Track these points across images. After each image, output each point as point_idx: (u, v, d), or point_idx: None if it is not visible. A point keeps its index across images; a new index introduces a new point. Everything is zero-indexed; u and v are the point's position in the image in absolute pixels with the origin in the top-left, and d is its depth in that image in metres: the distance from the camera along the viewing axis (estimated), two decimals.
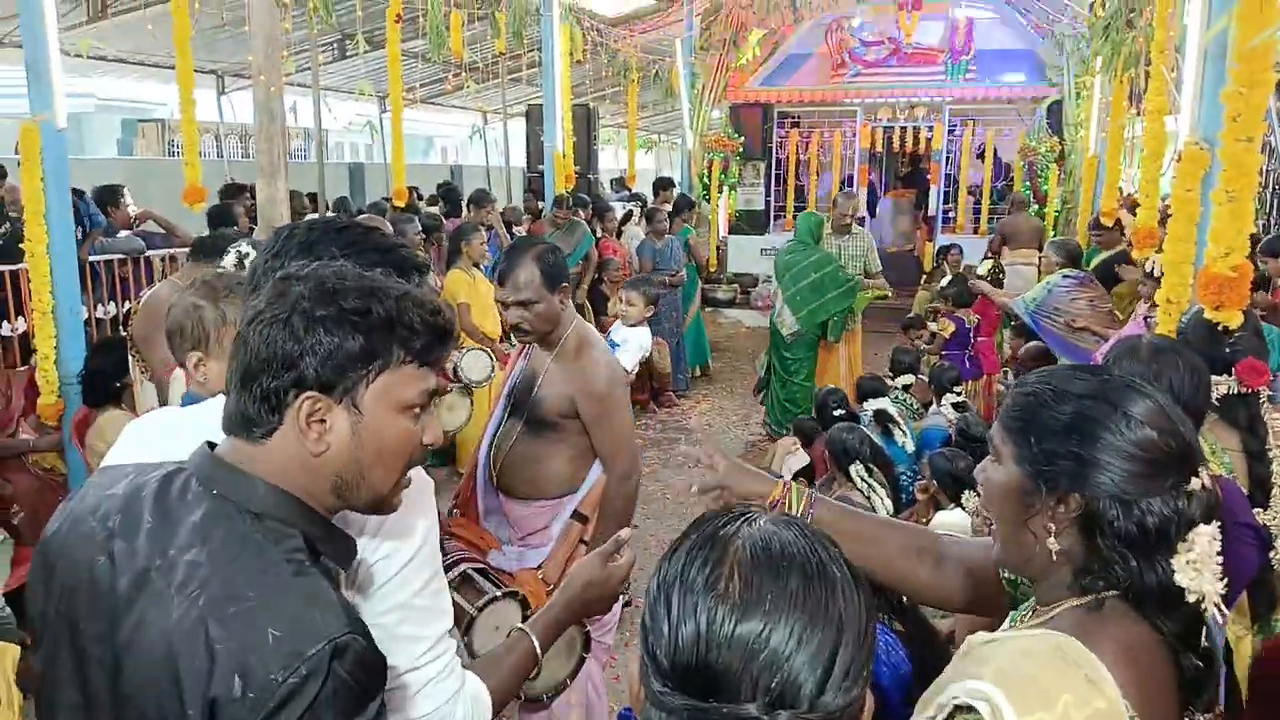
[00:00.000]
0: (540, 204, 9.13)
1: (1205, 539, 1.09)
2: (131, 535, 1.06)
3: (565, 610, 1.53)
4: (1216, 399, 2.36)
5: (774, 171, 12.75)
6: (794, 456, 4.75)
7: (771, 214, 12.79)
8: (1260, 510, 2.30)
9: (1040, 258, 7.59)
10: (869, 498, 3.87)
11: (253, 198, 6.32)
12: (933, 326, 6.67)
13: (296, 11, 7.34)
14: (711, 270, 10.42)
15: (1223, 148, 2.75)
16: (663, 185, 9.69)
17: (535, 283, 2.46)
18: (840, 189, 10.75)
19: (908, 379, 5.70)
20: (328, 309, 1.06)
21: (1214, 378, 2.33)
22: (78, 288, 4.47)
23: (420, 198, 10.23)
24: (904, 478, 4.47)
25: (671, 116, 13.09)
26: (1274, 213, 7.91)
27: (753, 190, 12.74)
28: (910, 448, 4.77)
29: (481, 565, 2.35)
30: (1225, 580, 1.10)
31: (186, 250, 5.15)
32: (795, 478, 4.61)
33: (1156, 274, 3.37)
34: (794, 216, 12.61)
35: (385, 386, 1.09)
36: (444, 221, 8.09)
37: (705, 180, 12.12)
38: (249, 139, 12.45)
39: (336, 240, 1.38)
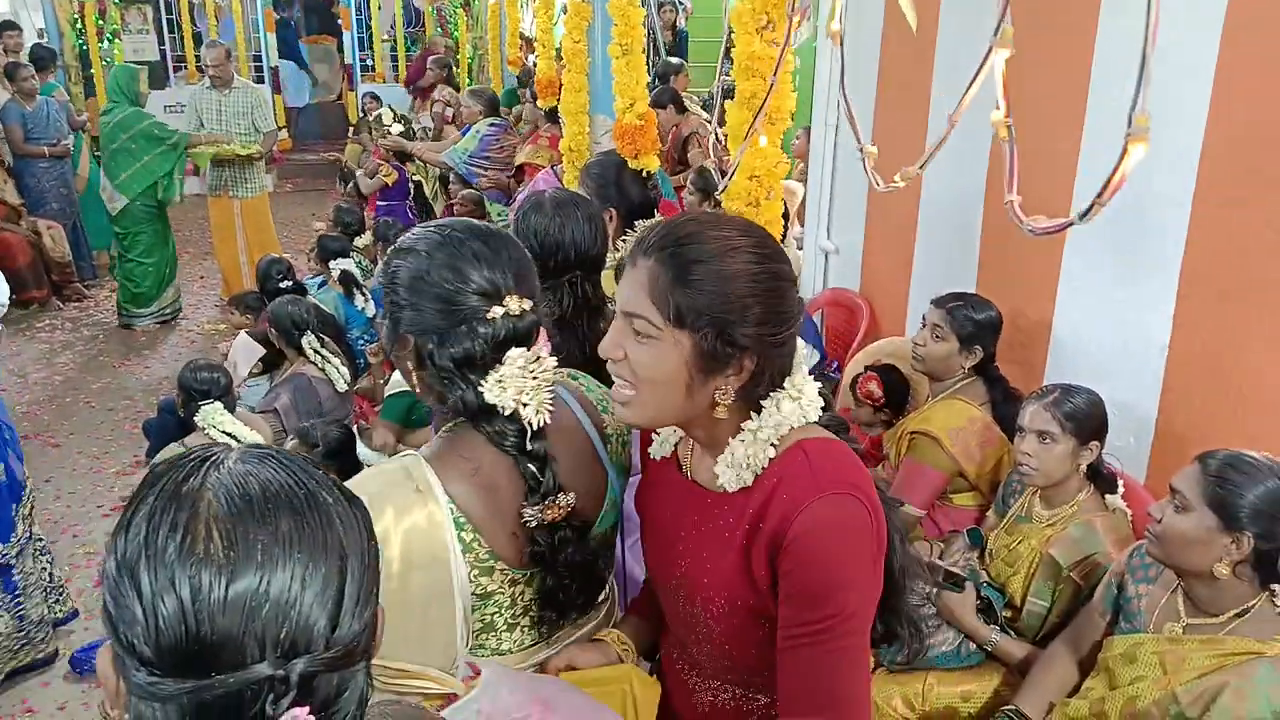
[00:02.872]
0: None
1: (516, 360, 1.24)
2: None
3: None
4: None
5: (165, 16, 11.19)
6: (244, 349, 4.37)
7: (170, 65, 11.30)
8: None
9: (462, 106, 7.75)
10: (324, 369, 3.75)
11: None
12: (365, 182, 6.54)
13: None
14: None
15: (610, 1, 2.91)
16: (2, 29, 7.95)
17: None
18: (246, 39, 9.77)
19: (364, 239, 5.59)
20: None
21: (644, 221, 2.60)
22: None
23: None
24: (360, 342, 4.42)
25: None
26: (655, 52, 8.74)
27: (143, 39, 11.06)
28: (371, 310, 4.69)
29: None
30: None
31: None
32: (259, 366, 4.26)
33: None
34: (199, 67, 11.30)
35: None
36: None
37: (79, 28, 10.20)
38: None
39: None
